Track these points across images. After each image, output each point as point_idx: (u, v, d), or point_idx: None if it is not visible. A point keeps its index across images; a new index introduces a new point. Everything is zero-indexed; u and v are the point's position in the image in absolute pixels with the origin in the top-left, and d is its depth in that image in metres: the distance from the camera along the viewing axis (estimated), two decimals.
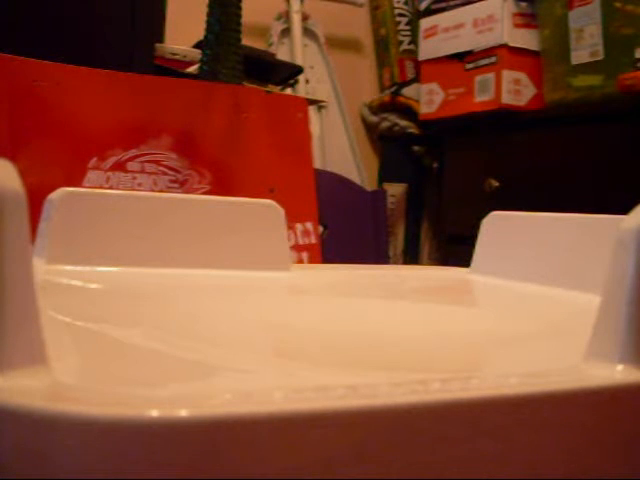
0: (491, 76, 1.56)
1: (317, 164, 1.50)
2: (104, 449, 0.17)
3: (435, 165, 1.85)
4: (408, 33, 1.96)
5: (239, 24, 0.91)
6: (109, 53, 0.88)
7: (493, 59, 1.56)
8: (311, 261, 0.89)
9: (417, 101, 1.79)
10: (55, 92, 0.76)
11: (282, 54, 1.78)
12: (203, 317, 0.37)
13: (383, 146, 1.98)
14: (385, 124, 1.90)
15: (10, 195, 0.20)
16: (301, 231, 0.89)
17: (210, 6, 0.90)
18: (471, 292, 0.56)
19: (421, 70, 1.78)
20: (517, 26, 1.55)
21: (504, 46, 1.54)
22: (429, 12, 1.75)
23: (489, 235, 0.56)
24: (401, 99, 1.85)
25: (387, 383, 0.21)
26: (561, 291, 0.48)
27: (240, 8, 0.91)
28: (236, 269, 0.52)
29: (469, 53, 1.62)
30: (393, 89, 1.89)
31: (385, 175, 1.95)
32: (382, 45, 2.01)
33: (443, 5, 1.72)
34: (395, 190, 1.89)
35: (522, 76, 1.55)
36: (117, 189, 0.77)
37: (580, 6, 1.39)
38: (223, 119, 0.86)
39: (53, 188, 0.49)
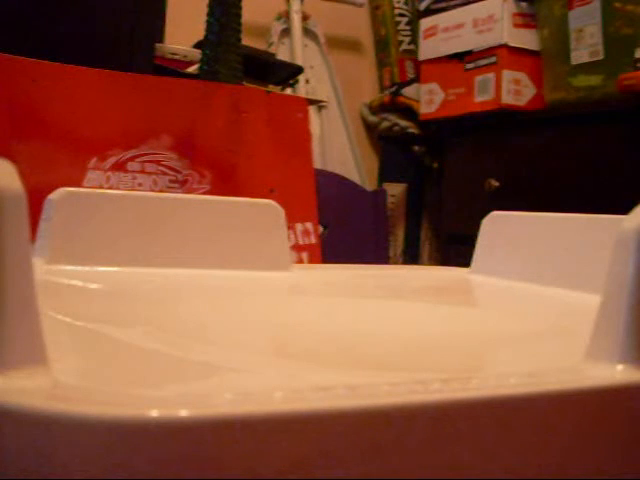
0: (491, 76, 1.56)
1: (317, 164, 1.50)
2: (104, 449, 0.17)
3: (435, 165, 1.85)
4: (408, 33, 1.96)
5: (239, 24, 0.91)
6: (109, 53, 0.88)
7: (493, 59, 1.56)
8: (311, 261, 0.89)
9: (417, 101, 1.79)
10: (55, 92, 0.76)
11: (282, 54, 1.78)
12: (203, 317, 0.37)
13: (383, 146, 1.98)
14: (385, 124, 1.90)
15: (10, 195, 0.20)
16: (301, 231, 0.89)
17: (210, 6, 0.90)
18: (471, 292, 0.56)
19: (421, 70, 1.78)
20: (517, 26, 1.55)
21: (504, 46, 1.54)
22: (429, 12, 1.75)
23: (489, 235, 0.56)
24: (401, 99, 1.85)
25: (387, 383, 0.21)
26: (561, 291, 0.48)
27: (240, 8, 0.91)
28: (236, 269, 0.52)
29: (469, 53, 1.62)
30: (393, 89, 1.89)
31: (385, 175, 1.95)
32: (382, 45, 2.01)
33: (443, 5, 1.72)
34: (395, 190, 1.89)
35: (522, 76, 1.55)
36: (117, 189, 0.77)
37: (580, 6, 1.39)
38: (223, 119, 0.86)
39: (53, 188, 0.49)
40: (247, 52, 0.97)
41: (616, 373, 0.23)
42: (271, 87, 1.14)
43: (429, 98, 1.73)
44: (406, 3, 1.96)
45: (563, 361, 0.29)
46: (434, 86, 1.72)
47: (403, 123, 1.84)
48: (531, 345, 0.34)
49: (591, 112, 1.39)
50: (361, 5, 1.90)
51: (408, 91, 1.84)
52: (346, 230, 1.49)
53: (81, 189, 0.52)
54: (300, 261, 0.88)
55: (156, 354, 0.28)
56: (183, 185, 0.82)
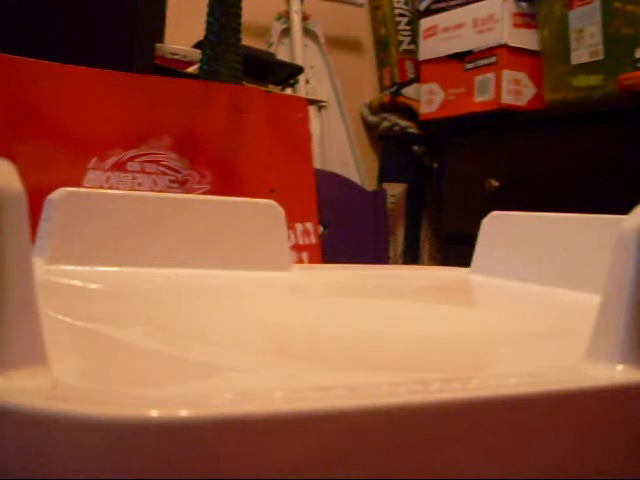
0: (491, 76, 1.56)
1: (317, 164, 1.50)
2: (104, 449, 0.17)
3: (435, 165, 1.85)
4: (408, 33, 1.96)
5: (239, 24, 0.91)
6: (109, 53, 0.88)
7: (493, 59, 1.56)
8: (311, 261, 0.89)
9: (417, 101, 1.79)
10: (55, 92, 0.76)
11: (282, 54, 1.78)
12: (203, 317, 0.37)
13: (383, 146, 1.98)
14: (385, 124, 1.90)
15: (10, 195, 0.20)
16: (301, 231, 0.89)
17: (210, 6, 0.90)
18: (471, 292, 0.56)
19: (421, 70, 1.78)
20: (517, 26, 1.55)
21: (504, 46, 1.54)
22: (429, 12, 1.75)
23: (489, 235, 0.56)
24: (401, 99, 1.85)
25: (387, 383, 0.21)
26: (561, 291, 0.48)
27: (240, 8, 0.91)
28: (236, 269, 0.52)
29: (469, 53, 1.62)
30: (393, 89, 1.89)
31: (385, 175, 1.95)
32: (382, 45, 2.01)
33: (443, 5, 1.72)
34: (395, 190, 1.89)
35: (522, 76, 1.55)
36: (117, 189, 0.77)
37: (580, 6, 1.39)
38: (223, 119, 0.86)
39: (53, 188, 0.49)
40: (247, 52, 0.97)
41: (616, 373, 0.23)
42: (271, 87, 1.14)
43: (429, 98, 1.73)
44: (406, 3, 1.96)
45: (563, 361, 0.29)
46: (434, 86, 1.72)
47: (403, 123, 1.84)
48: (531, 345, 0.34)
49: (591, 112, 1.39)
50: (361, 5, 1.90)
51: (408, 91, 1.84)
52: (346, 230, 1.49)
53: (81, 189, 0.52)
54: (300, 261, 0.88)
55: (156, 354, 0.28)
56: (183, 185, 0.82)
